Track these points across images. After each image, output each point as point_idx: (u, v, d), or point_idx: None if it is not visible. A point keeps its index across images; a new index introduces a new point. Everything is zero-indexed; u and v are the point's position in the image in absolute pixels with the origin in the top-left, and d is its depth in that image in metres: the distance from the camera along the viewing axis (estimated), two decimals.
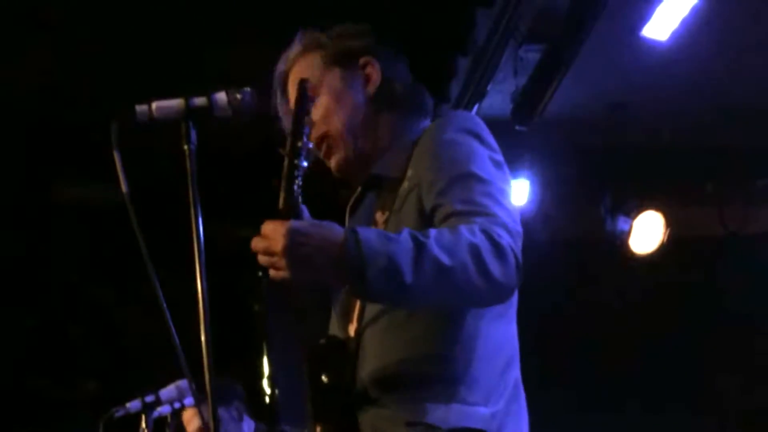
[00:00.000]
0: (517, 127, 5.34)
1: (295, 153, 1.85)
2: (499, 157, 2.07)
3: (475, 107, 5.31)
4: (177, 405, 3.50)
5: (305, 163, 1.86)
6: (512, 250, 1.87)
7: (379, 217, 2.13)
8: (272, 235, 1.80)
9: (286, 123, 2.24)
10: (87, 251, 6.08)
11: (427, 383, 1.96)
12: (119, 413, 3.41)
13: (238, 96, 2.05)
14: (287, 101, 2.29)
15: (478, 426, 1.94)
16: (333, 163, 2.23)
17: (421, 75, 2.34)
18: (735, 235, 6.52)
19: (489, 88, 5.19)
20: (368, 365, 2.02)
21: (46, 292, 6.23)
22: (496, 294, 1.90)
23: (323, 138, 2.21)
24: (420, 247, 1.79)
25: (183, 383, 3.45)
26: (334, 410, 2.04)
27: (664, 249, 6.32)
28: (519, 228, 1.94)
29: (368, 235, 1.80)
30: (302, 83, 1.95)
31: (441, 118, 2.15)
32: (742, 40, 5.06)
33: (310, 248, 1.79)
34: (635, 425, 6.52)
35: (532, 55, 5.06)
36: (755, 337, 6.58)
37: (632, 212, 6.35)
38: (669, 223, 6.29)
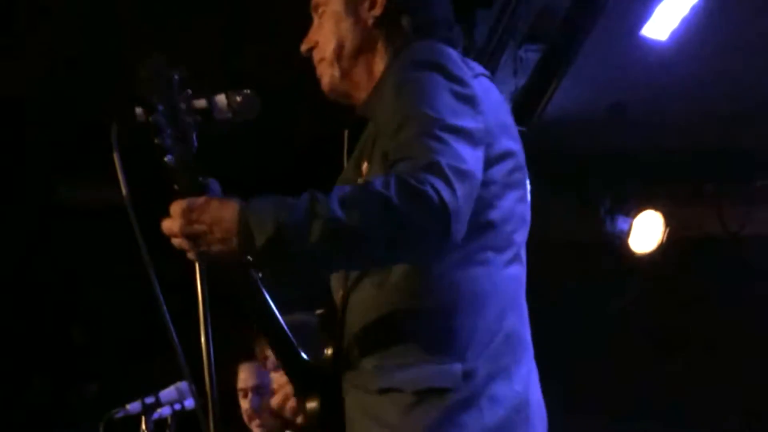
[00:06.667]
0: (516, 127, 5.33)
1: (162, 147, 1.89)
2: (467, 90, 1.92)
3: None
4: (177, 406, 3.50)
5: (170, 145, 1.89)
6: (434, 190, 1.72)
7: (365, 167, 2.07)
8: (173, 215, 1.82)
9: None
10: (87, 252, 6.07)
11: (403, 344, 1.89)
12: (119, 414, 3.41)
13: (238, 98, 2.05)
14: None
15: (446, 385, 1.84)
16: (322, 84, 2.18)
17: None
18: (735, 235, 6.52)
19: None
20: (351, 332, 1.98)
21: (47, 293, 6.23)
22: (418, 244, 1.78)
23: (317, 58, 2.17)
24: (314, 208, 1.71)
25: (183, 385, 3.46)
26: (318, 384, 2.01)
27: (663, 249, 6.32)
28: (467, 166, 1.80)
29: (260, 204, 1.76)
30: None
31: (405, 53, 2.02)
32: (743, 39, 5.06)
33: (205, 225, 1.79)
34: (635, 425, 6.52)
35: (531, 55, 5.06)
36: (755, 337, 6.57)
37: (632, 212, 6.35)
38: (668, 223, 6.30)
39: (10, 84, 5.24)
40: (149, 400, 3.43)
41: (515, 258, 1.99)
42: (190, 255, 1.85)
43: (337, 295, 2.05)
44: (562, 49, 4.85)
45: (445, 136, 1.80)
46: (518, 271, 2.01)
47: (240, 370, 4.14)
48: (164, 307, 2.02)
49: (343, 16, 2.14)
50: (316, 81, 2.22)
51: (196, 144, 1.94)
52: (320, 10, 2.18)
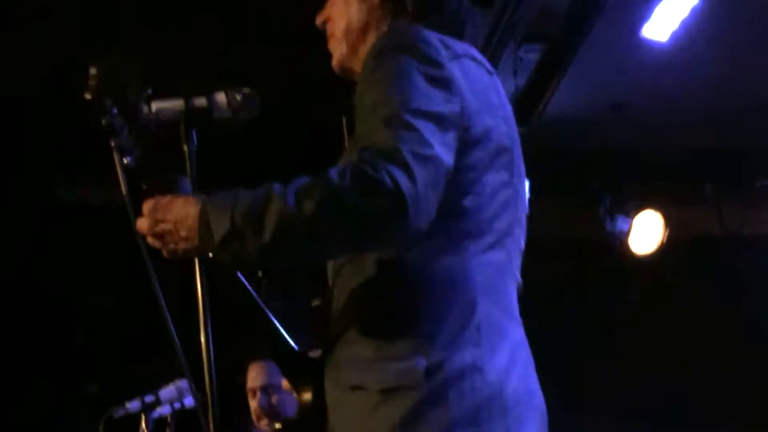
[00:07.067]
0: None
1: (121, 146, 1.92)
2: (441, 72, 1.86)
3: None
4: (177, 405, 3.50)
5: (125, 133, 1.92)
6: (390, 178, 1.68)
7: None
8: (144, 214, 1.86)
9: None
10: (88, 253, 6.07)
11: (374, 337, 1.86)
12: (119, 413, 3.42)
13: (238, 97, 2.05)
14: None
15: (409, 383, 1.79)
16: (333, 61, 2.18)
17: None
18: (734, 235, 6.52)
19: None
20: (333, 323, 1.96)
21: (47, 294, 6.22)
22: (374, 234, 1.74)
23: (329, 34, 2.18)
24: (269, 203, 1.71)
25: (183, 383, 3.46)
26: (306, 376, 2.01)
27: (663, 249, 6.32)
28: (432, 151, 1.75)
29: (220, 201, 1.77)
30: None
31: (380, 38, 1.99)
32: (742, 40, 5.06)
33: (170, 224, 1.82)
34: (635, 424, 6.52)
35: (531, 55, 5.06)
36: (755, 337, 6.57)
37: (631, 212, 6.35)
38: (668, 223, 6.30)
39: (10, 84, 5.24)
40: (149, 398, 3.44)
41: (495, 244, 1.93)
42: (163, 253, 1.88)
43: (330, 284, 2.04)
44: (562, 50, 4.85)
45: (412, 120, 1.76)
46: (499, 257, 1.94)
47: (250, 370, 4.18)
48: (164, 307, 2.02)
49: None
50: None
51: (197, 146, 1.94)
52: None
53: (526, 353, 1.96)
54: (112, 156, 1.97)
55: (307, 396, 2.00)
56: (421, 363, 1.80)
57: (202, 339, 1.98)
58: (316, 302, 2.04)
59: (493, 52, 4.95)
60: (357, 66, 2.10)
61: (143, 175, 1.93)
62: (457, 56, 1.94)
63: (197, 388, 2.04)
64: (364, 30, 2.12)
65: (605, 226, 6.44)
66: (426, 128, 1.77)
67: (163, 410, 3.48)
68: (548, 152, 6.02)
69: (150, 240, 1.88)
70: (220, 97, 2.05)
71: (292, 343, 2.04)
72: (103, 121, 1.93)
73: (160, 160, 1.95)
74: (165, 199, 1.85)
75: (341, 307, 1.94)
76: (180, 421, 3.50)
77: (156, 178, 1.91)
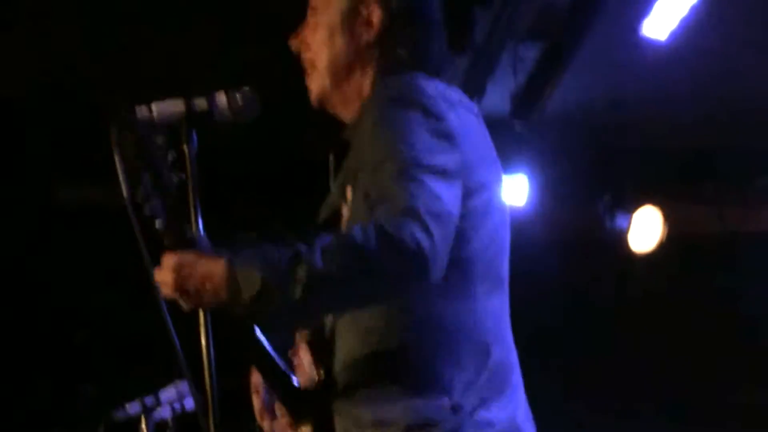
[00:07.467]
0: (516, 126, 5.34)
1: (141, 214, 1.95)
2: (444, 126, 1.91)
3: None
4: (177, 406, 3.50)
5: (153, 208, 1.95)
6: (411, 238, 1.74)
7: (349, 193, 2.06)
8: (165, 269, 1.88)
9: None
10: (88, 253, 6.07)
11: (389, 378, 1.92)
12: (119, 415, 3.42)
13: (238, 97, 2.05)
14: None
15: (436, 418, 1.87)
16: (309, 89, 2.19)
17: None
18: (734, 234, 6.53)
19: (488, 86, 5.18)
20: (338, 359, 2.00)
21: (46, 294, 6.22)
22: (397, 290, 1.85)
23: (308, 63, 2.17)
24: (297, 263, 1.76)
25: (182, 384, 3.46)
26: (310, 408, 2.03)
27: (663, 247, 6.33)
28: (443, 207, 1.82)
29: (247, 259, 1.81)
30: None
31: (381, 89, 2.02)
32: (742, 39, 5.06)
33: (196, 280, 1.85)
34: (636, 422, 6.52)
35: (531, 53, 5.06)
36: (754, 336, 6.58)
37: (631, 211, 6.36)
38: (668, 222, 6.30)
39: (10, 84, 5.24)
40: (149, 400, 3.44)
41: (497, 286, 2.02)
42: (184, 306, 1.90)
43: (327, 318, 2.06)
44: (561, 48, 4.85)
45: (422, 176, 1.82)
46: (500, 301, 2.03)
47: (253, 368, 4.17)
48: (164, 307, 2.03)
49: (338, 30, 2.13)
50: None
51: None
52: (317, 12, 2.17)
53: (519, 380, 2.04)
54: (115, 156, 1.98)
55: (307, 429, 2.03)
56: (446, 401, 1.88)
57: (202, 339, 1.98)
58: (304, 334, 2.06)
59: (492, 50, 4.95)
60: (339, 102, 2.15)
61: (164, 232, 1.95)
62: (452, 105, 1.99)
63: (197, 389, 2.05)
64: (349, 69, 2.13)
65: (605, 225, 6.44)
66: (435, 183, 1.83)
67: (163, 412, 3.48)
68: (547, 150, 6.03)
69: (169, 292, 1.89)
70: (221, 97, 2.05)
71: (291, 375, 2.06)
72: (140, 195, 1.97)
73: (179, 216, 1.97)
74: (190, 256, 1.87)
75: (350, 343, 1.97)
76: (180, 423, 3.50)
77: (177, 236, 1.93)
